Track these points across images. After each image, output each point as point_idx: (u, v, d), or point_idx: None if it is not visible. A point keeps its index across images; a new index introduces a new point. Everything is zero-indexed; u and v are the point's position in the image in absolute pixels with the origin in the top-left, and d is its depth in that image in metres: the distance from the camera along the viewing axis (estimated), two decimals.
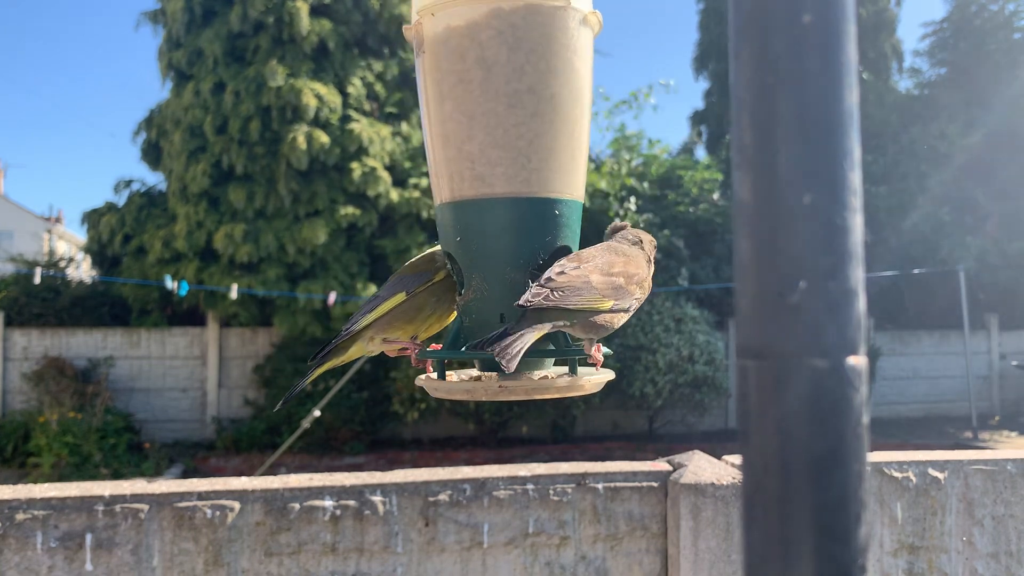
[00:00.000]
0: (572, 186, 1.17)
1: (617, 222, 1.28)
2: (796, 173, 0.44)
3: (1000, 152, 14.27)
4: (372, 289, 10.89)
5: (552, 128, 1.12)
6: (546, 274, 1.08)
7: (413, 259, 1.32)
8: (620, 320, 1.13)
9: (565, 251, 1.17)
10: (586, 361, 1.17)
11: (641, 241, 1.25)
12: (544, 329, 1.06)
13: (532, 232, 1.14)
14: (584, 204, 1.22)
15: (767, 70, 0.44)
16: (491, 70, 1.10)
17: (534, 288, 1.05)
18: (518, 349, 1.00)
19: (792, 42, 0.44)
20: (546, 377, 1.16)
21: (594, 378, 1.16)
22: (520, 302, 1.04)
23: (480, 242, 1.15)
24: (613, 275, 1.12)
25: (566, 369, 1.19)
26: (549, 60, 1.11)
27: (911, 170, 14.06)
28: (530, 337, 1.03)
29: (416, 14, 1.17)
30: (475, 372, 1.22)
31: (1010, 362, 14.19)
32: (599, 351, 1.15)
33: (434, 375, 1.19)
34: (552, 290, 1.04)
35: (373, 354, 1.31)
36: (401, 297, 1.25)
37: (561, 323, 1.08)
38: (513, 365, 0.99)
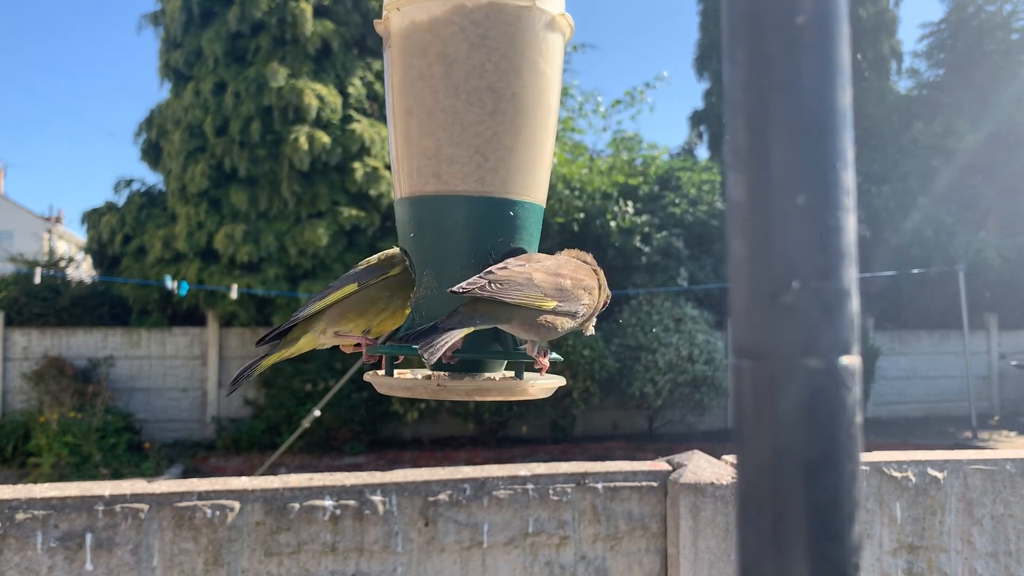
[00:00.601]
0: (530, 188, 1.16)
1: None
2: (790, 174, 0.44)
3: (1000, 151, 14.28)
4: None
5: (512, 128, 1.12)
6: (488, 267, 1.07)
7: (371, 256, 1.31)
8: (566, 324, 1.10)
9: (518, 253, 1.16)
10: (534, 366, 1.14)
11: (595, 265, 1.23)
12: (476, 324, 1.03)
13: (484, 231, 1.13)
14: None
15: (761, 71, 0.44)
16: (452, 66, 1.11)
17: (473, 278, 1.03)
18: (441, 343, 0.98)
19: (785, 43, 0.44)
20: (490, 379, 1.15)
21: (541, 383, 1.13)
22: (454, 289, 1.01)
23: (432, 239, 1.15)
24: (560, 276, 1.10)
25: (535, 374, 1.17)
26: (512, 59, 1.11)
27: (911, 170, 14.07)
28: (458, 333, 1.01)
29: (384, 8, 1.18)
30: (427, 371, 1.20)
31: (1010, 362, 14.19)
32: (546, 356, 1.13)
33: (382, 371, 1.18)
34: (490, 282, 1.02)
35: (325, 347, 1.29)
36: (352, 287, 1.23)
37: (498, 318, 1.05)
38: (433, 359, 0.97)
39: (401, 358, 1.21)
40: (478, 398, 1.13)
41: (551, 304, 1.07)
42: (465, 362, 1.16)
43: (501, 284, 1.03)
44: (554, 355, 1.17)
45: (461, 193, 1.12)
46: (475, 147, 1.11)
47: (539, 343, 1.11)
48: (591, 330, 1.22)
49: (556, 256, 1.17)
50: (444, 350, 0.98)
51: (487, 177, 1.12)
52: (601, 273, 1.22)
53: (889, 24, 16.32)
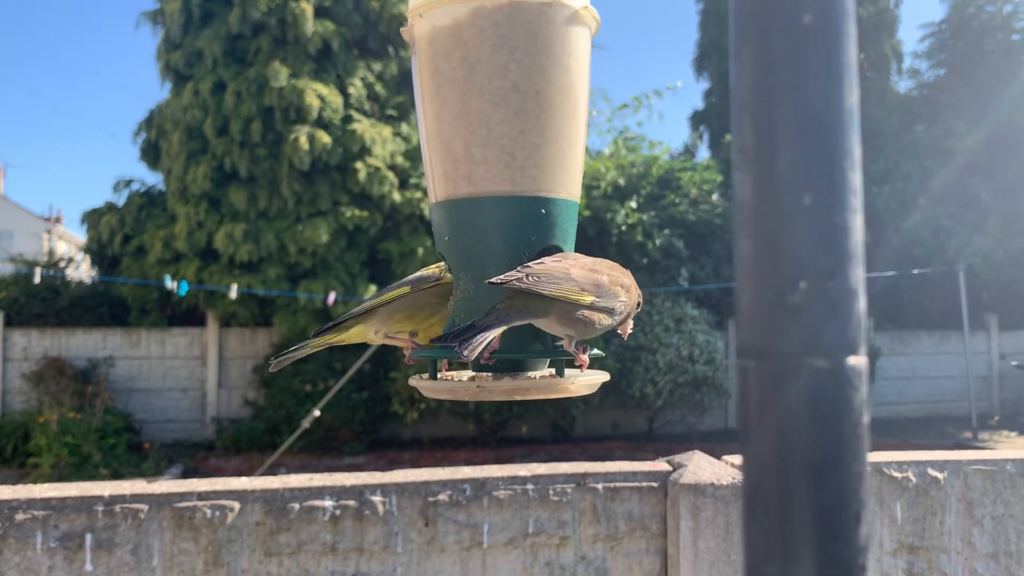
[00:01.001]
0: (561, 185, 1.16)
1: None
2: (796, 173, 0.44)
3: (1000, 151, 14.28)
4: (373, 290, 10.91)
5: (538, 125, 1.12)
6: (526, 262, 1.08)
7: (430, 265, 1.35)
8: (603, 320, 1.11)
9: (554, 251, 1.17)
10: (574, 363, 1.15)
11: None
12: (514, 321, 1.05)
13: (517, 231, 1.14)
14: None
15: (768, 71, 0.44)
16: (474, 68, 1.11)
17: (510, 271, 1.05)
18: (479, 341, 0.99)
19: (792, 43, 0.44)
20: (530, 378, 1.15)
21: (583, 379, 1.14)
22: (492, 280, 1.03)
23: (465, 241, 1.16)
24: (596, 272, 1.10)
25: (575, 371, 1.17)
26: (534, 57, 1.11)
27: (912, 170, 14.08)
28: (495, 330, 1.02)
29: (408, 15, 1.20)
30: (471, 372, 1.22)
31: (1010, 362, 14.19)
32: (585, 352, 1.13)
33: (426, 375, 1.20)
34: (527, 275, 1.04)
35: (374, 343, 1.33)
36: (405, 291, 1.28)
37: (534, 313, 1.06)
38: (472, 356, 0.98)
39: (445, 362, 1.22)
40: (519, 398, 1.13)
41: (589, 299, 1.08)
42: (506, 362, 1.17)
43: (539, 277, 1.04)
44: (595, 351, 1.17)
45: (492, 194, 1.13)
46: (502, 147, 1.12)
47: (576, 339, 1.11)
48: (629, 330, 1.22)
49: (595, 258, 1.17)
50: (482, 347, 1.00)
51: (516, 176, 1.12)
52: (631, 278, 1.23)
53: (890, 24, 16.33)
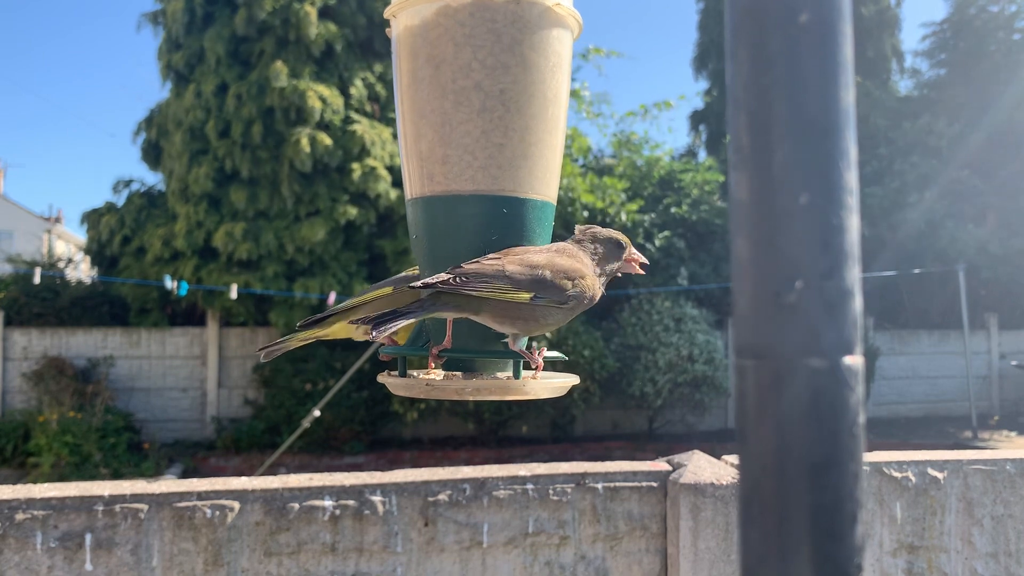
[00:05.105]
0: (528, 184, 1.14)
1: (588, 226, 1.22)
2: (793, 173, 0.44)
3: (999, 151, 14.28)
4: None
5: (501, 124, 1.11)
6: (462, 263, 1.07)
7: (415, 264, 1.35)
8: (549, 315, 1.08)
9: None
10: (530, 364, 1.12)
11: (596, 237, 1.18)
12: (437, 312, 1.05)
13: (477, 230, 1.13)
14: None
15: (763, 70, 0.44)
16: (439, 68, 1.11)
17: (440, 273, 1.04)
18: (389, 328, 1.01)
19: (788, 42, 0.44)
20: (483, 378, 1.14)
21: (544, 382, 1.11)
22: (414, 284, 1.04)
23: (429, 240, 1.16)
24: (537, 267, 1.07)
25: (530, 372, 1.14)
26: (498, 56, 1.10)
27: (910, 169, 14.07)
28: (412, 318, 1.03)
29: (385, 15, 1.21)
30: (441, 372, 1.21)
31: (1010, 362, 14.18)
32: (540, 354, 1.11)
33: (395, 372, 1.20)
34: (456, 276, 1.03)
35: (356, 339, 1.33)
36: (387, 291, 1.29)
37: (462, 309, 1.05)
38: (380, 337, 1.01)
39: (431, 362, 1.22)
40: (469, 398, 1.12)
41: (525, 296, 1.06)
42: (469, 361, 1.17)
43: (467, 278, 1.03)
44: (555, 353, 1.15)
45: (452, 193, 1.13)
46: (464, 146, 1.11)
47: (521, 336, 1.10)
48: (639, 262, 1.20)
49: (542, 247, 1.14)
50: (387, 332, 1.01)
51: (477, 176, 1.12)
52: (607, 242, 1.18)
53: (891, 23, 16.33)
